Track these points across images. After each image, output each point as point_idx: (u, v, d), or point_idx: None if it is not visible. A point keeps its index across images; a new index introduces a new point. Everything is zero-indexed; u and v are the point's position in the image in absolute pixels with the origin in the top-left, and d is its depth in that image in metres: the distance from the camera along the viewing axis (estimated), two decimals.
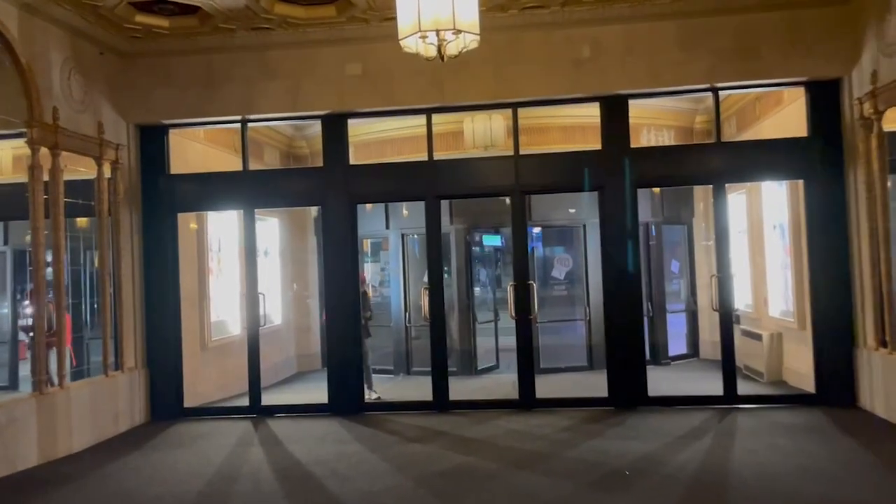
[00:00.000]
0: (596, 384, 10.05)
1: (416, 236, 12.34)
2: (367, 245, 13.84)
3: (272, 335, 12.48)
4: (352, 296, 9.56)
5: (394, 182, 9.70)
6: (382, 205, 12.62)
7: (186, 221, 10.15)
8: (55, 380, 8.10)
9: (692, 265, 13.22)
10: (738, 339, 9.70)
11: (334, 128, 9.57)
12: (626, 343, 9.22)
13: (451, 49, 6.74)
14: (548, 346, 12.05)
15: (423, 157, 9.52)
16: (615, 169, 9.20)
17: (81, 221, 9.37)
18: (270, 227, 12.88)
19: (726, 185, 9.33)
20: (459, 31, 6.55)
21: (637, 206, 9.31)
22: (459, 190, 9.68)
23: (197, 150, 10.66)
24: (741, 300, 11.35)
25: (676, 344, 12.78)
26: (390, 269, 12.90)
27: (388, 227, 12.70)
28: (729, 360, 9.11)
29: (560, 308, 12.80)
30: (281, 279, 13.08)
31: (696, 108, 12.47)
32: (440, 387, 9.42)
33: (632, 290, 9.27)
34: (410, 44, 6.76)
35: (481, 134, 11.38)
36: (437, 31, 6.52)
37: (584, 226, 12.27)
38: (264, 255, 12.53)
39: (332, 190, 9.54)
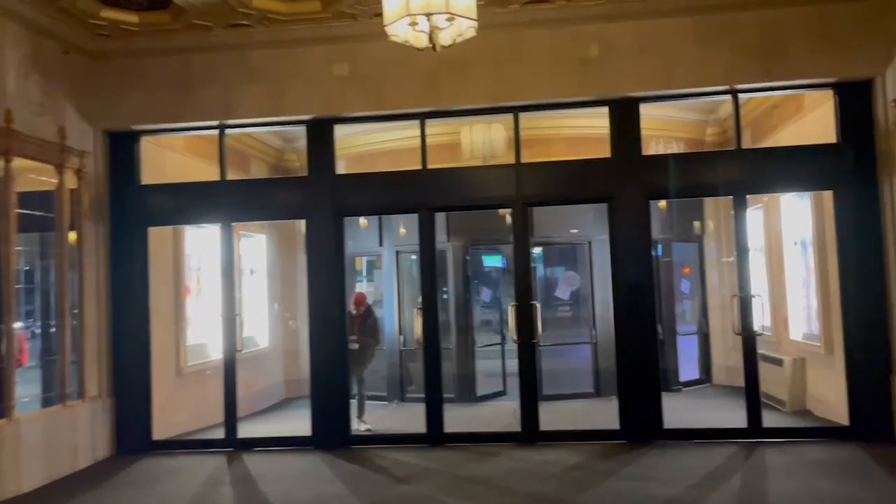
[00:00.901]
0: (604, 413, 9.03)
1: (413, 257, 11.31)
2: (360, 263, 12.82)
3: (257, 359, 11.46)
4: (337, 317, 8.51)
5: (384, 193, 8.66)
6: (377, 221, 11.66)
7: (158, 236, 9.12)
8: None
9: (703, 285, 12.18)
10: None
11: (320, 134, 8.57)
12: (639, 369, 8.16)
13: (445, 38, 5.79)
14: (551, 371, 10.96)
15: (417, 166, 8.52)
16: (626, 178, 8.21)
17: (73, 237, 8.38)
18: (257, 243, 11.86)
19: (747, 196, 8.31)
20: (454, 17, 5.60)
21: (650, 218, 8.32)
22: (456, 202, 8.64)
23: (175, 160, 9.67)
24: (757, 322, 10.31)
25: (688, 369, 11.70)
26: (384, 289, 11.85)
27: (381, 244, 11.68)
28: (753, 389, 8.06)
29: (564, 330, 11.76)
30: (268, 300, 12.03)
31: (706, 120, 11.53)
32: (434, 417, 8.35)
33: (644, 310, 8.23)
34: (398, 31, 5.81)
35: (480, 145, 10.41)
36: (429, 16, 5.56)
37: (590, 243, 11.26)
38: (250, 274, 11.53)
39: (317, 202, 8.53)
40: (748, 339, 8.10)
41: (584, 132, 10.39)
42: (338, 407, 8.43)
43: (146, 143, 9.01)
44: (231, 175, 8.91)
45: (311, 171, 8.62)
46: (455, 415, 9.34)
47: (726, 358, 11.70)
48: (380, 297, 12.11)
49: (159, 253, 9.20)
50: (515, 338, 8.34)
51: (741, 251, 8.21)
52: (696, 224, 12.31)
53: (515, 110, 8.37)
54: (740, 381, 10.71)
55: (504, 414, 9.61)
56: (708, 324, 12.03)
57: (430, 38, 5.70)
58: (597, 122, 8.88)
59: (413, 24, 5.66)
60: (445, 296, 11.18)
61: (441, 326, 10.98)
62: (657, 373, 8.30)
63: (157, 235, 9.12)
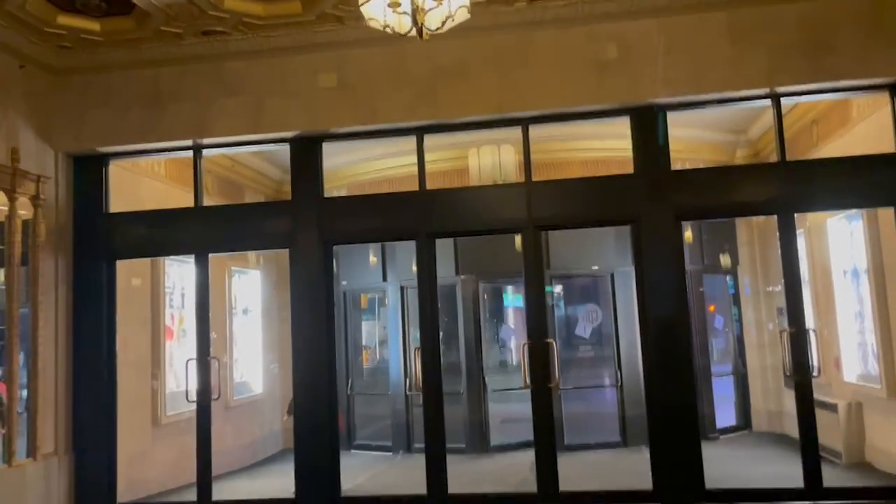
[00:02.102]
0: (633, 467, 7.65)
1: None
2: (364, 301, 11.56)
3: (251, 406, 10.22)
4: (325, 361, 7.22)
5: (378, 218, 7.38)
6: (380, 253, 10.44)
7: (134, 271, 7.97)
8: None
9: (740, 320, 10.74)
10: None
11: (305, 153, 7.38)
12: (674, 417, 6.71)
13: (432, 20, 4.64)
14: (573, 417, 9.61)
15: (414, 187, 7.30)
16: (652, 197, 6.91)
17: None
18: (252, 280, 10.65)
19: (795, 215, 6.94)
20: None
21: (682, 242, 7.00)
22: (458, 226, 7.33)
23: (155, 188, 8.53)
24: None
25: (724, 414, 10.20)
26: (389, 328, 10.56)
27: (385, 280, 10.43)
28: (811, 442, 6.54)
29: (585, 371, 10.37)
30: (263, 341, 10.76)
31: (736, 140, 10.26)
32: (436, 476, 6.93)
33: (678, 348, 6.82)
34: (376, 13, 4.68)
35: (489, 168, 9.23)
36: None
37: (612, 275, 9.93)
38: (243, 314, 10.31)
39: (302, 229, 7.29)
40: (803, 383, 6.61)
41: (604, 154, 9.24)
42: (325, 465, 7.06)
43: (122, 171, 7.92)
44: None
45: (296, 195, 7.41)
46: (465, 469, 8.07)
47: (766, 401, 10.22)
48: (385, 336, 10.85)
49: (135, 290, 8.04)
50: (528, 382, 6.97)
51: (791, 278, 6.79)
52: (725, 256, 10.92)
53: (524, 122, 7.13)
54: (784, 428, 9.30)
55: (520, 467, 8.23)
56: (745, 363, 10.56)
57: (415, 21, 4.56)
58: (618, 144, 7.67)
59: (394, 4, 4.53)
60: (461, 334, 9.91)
61: (452, 368, 9.73)
62: (695, 421, 6.83)
63: (133, 270, 7.99)
